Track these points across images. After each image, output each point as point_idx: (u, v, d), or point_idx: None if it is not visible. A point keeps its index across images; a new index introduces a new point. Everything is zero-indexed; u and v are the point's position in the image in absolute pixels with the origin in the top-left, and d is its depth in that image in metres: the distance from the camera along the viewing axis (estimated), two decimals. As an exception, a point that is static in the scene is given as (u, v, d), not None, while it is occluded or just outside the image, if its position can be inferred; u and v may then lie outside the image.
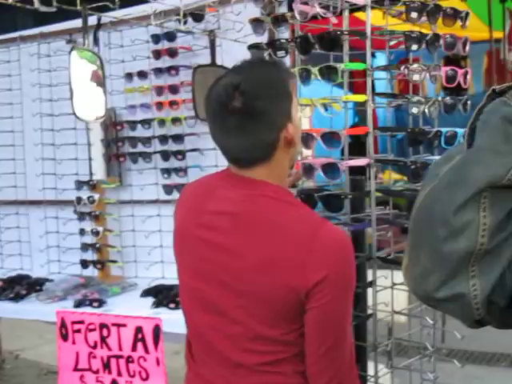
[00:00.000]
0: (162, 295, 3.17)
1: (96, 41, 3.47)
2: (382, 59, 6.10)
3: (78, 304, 3.16)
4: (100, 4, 2.82)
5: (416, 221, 1.20)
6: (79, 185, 3.67)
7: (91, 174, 3.71)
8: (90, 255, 3.67)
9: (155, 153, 3.58)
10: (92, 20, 3.27)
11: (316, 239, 1.51)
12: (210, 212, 1.62)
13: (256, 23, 2.56)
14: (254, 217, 1.56)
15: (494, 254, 1.13)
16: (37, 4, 2.64)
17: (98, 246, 3.62)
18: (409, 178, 2.40)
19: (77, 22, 3.37)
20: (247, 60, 1.65)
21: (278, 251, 1.51)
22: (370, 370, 2.51)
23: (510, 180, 1.09)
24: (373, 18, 2.35)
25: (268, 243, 1.52)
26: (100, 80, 3.09)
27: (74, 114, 2.88)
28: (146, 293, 3.31)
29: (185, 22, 3.27)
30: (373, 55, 2.43)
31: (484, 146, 1.13)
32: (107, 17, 3.37)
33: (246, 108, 1.51)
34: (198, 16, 3.32)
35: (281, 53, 2.47)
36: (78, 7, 2.71)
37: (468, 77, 2.41)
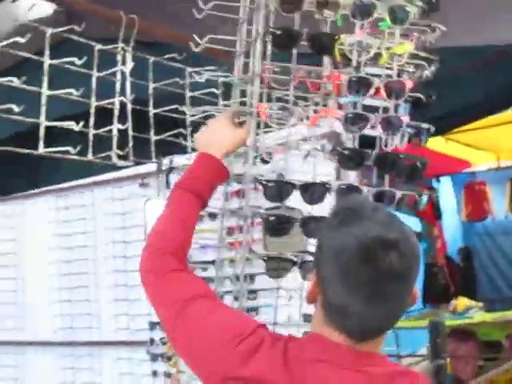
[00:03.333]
0: None
1: (168, 185, 3.58)
2: (447, 182, 6.18)
3: None
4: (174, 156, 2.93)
5: None
6: (152, 325, 3.68)
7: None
8: (163, 398, 3.62)
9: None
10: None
11: None
12: None
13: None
14: None
15: None
16: (115, 159, 2.76)
17: (170, 388, 3.57)
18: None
19: (149, 167, 3.52)
20: (374, 206, 1.37)
21: None
22: None
23: None
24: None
25: None
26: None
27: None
28: None
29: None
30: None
31: None
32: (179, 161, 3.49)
33: (404, 271, 1.28)
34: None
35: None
36: (153, 159, 2.82)
37: None
